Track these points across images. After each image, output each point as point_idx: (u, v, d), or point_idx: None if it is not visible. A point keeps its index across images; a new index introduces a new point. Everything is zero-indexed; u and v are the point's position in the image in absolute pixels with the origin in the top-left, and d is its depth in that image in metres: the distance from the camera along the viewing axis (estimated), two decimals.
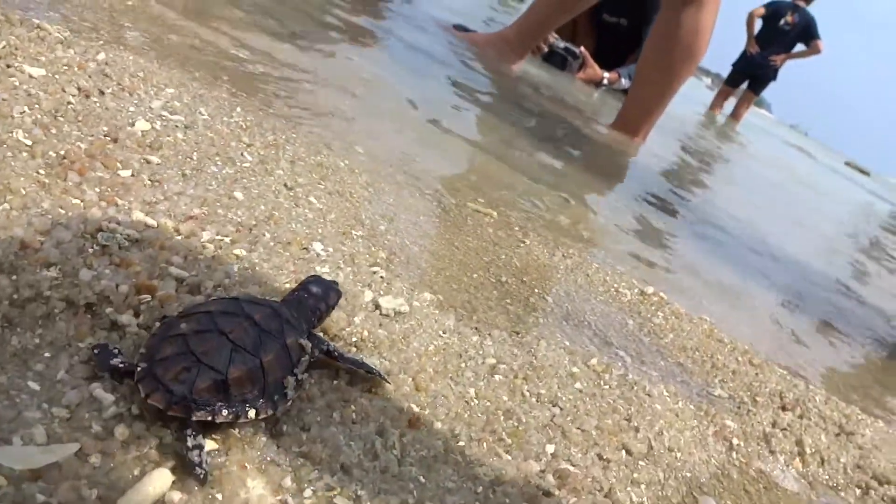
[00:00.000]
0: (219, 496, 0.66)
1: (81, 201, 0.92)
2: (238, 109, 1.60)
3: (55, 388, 0.69)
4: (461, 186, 1.99)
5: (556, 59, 5.13)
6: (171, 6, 2.16)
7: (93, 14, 1.76)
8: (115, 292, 0.79)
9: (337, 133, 1.86)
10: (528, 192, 2.24)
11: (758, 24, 9.39)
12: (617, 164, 3.64)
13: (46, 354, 0.72)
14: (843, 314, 2.69)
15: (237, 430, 0.74)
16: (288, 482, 0.71)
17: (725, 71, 10.06)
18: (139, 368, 0.71)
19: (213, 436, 0.72)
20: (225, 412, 0.71)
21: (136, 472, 0.65)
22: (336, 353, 0.86)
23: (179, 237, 0.95)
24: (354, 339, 0.93)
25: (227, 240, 1.00)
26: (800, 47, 9.33)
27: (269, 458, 0.73)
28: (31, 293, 0.74)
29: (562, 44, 5.17)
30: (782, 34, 9.21)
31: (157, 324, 0.79)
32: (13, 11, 1.42)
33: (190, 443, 0.68)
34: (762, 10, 9.30)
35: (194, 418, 0.69)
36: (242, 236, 1.04)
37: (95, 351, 0.73)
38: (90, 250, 0.83)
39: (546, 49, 5.17)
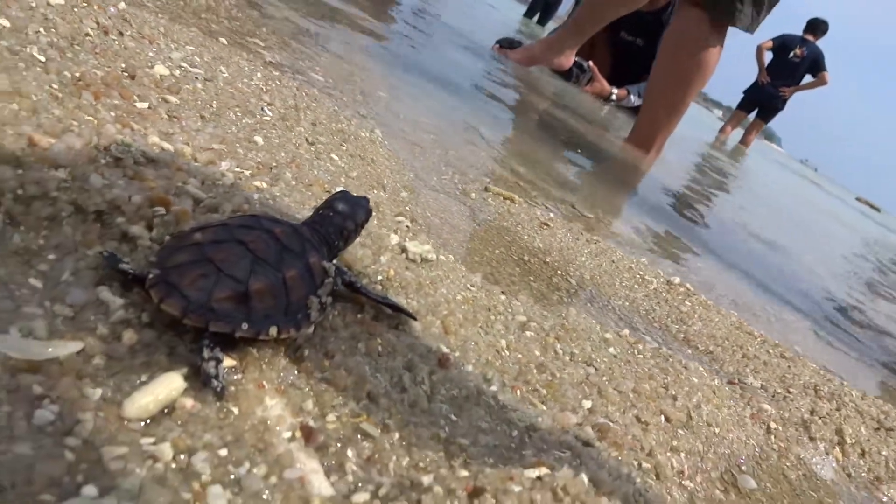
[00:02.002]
0: (234, 409, 0.59)
1: (95, 119, 0.86)
2: (258, 75, 1.55)
3: (59, 287, 0.63)
4: (482, 174, 1.94)
5: (565, 72, 5.15)
6: None
7: None
8: (128, 202, 0.73)
9: (358, 110, 1.82)
10: (547, 191, 2.19)
11: (768, 56, 9.56)
12: (633, 176, 3.58)
13: (51, 256, 0.66)
14: (860, 333, 2.61)
15: (255, 349, 0.67)
16: (310, 405, 0.64)
17: (737, 103, 10.18)
18: (150, 275, 0.63)
19: (230, 353, 0.65)
20: (245, 326, 0.63)
21: (143, 378, 0.58)
22: (359, 287, 0.79)
23: (197, 163, 0.89)
24: (380, 278, 0.87)
25: (246, 173, 0.94)
26: (808, 79, 9.49)
27: (289, 381, 0.66)
28: (38, 191, 0.68)
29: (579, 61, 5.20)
30: (792, 66, 9.41)
31: (168, 237, 0.72)
32: None
33: (206, 354, 0.61)
34: (770, 43, 9.52)
35: (212, 329, 0.61)
36: (263, 173, 0.98)
37: (104, 253, 0.66)
38: (102, 161, 0.77)
39: None
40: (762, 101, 9.77)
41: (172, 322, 0.63)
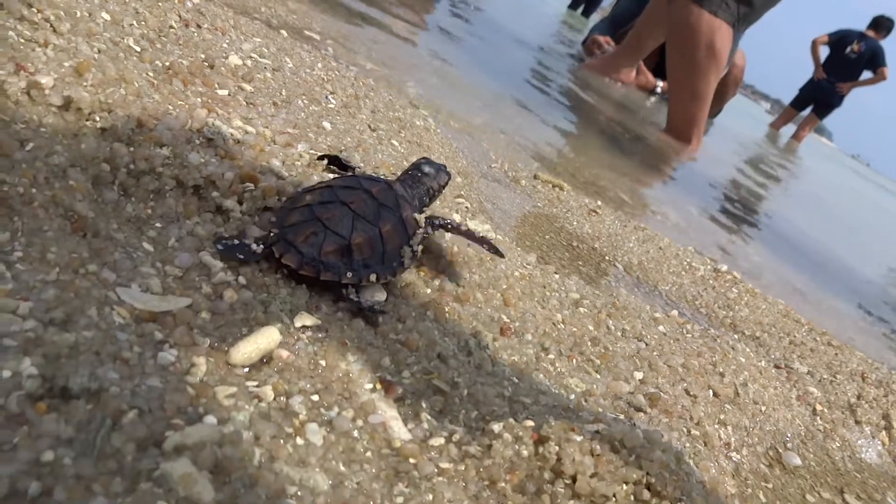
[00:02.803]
0: (322, 363, 0.66)
1: (186, 104, 0.94)
2: (319, 65, 1.62)
3: (167, 251, 0.70)
4: (531, 161, 1.98)
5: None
6: None
7: None
8: (221, 178, 0.81)
9: (413, 99, 1.88)
10: (595, 176, 2.22)
11: (825, 52, 9.29)
12: (678, 166, 3.57)
13: (158, 224, 0.74)
14: None
15: (338, 312, 0.74)
16: (387, 362, 0.71)
17: (786, 97, 9.94)
18: (271, 234, 0.75)
19: (315, 315, 0.72)
20: (350, 274, 0.75)
21: (244, 331, 0.65)
22: (455, 226, 0.89)
23: (276, 145, 0.97)
24: (444, 254, 0.93)
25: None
26: (867, 75, 9.18)
27: (367, 341, 0.73)
28: (146, 166, 0.76)
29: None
30: (849, 62, 9.11)
31: (285, 199, 0.84)
32: None
33: (360, 300, 0.75)
34: (825, 38, 9.23)
35: (322, 278, 0.73)
36: (334, 154, 1.05)
37: (219, 247, 0.73)
38: (197, 141, 0.85)
39: (600, 54, 5.19)
40: (818, 97, 9.49)
41: (291, 272, 0.73)
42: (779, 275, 2.33)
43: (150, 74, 0.95)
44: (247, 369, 0.61)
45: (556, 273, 1.14)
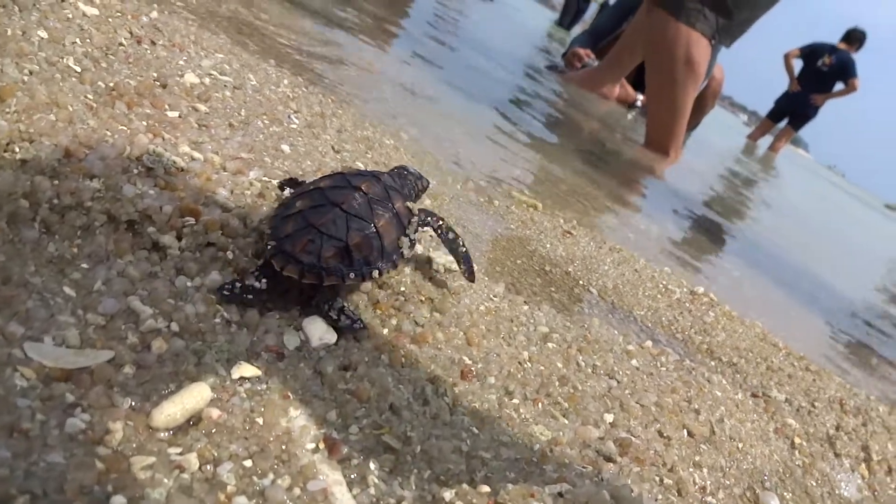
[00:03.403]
0: (259, 420, 0.60)
1: (128, 129, 0.88)
2: (285, 81, 1.57)
3: (91, 296, 0.64)
4: (506, 178, 1.94)
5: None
6: None
7: None
8: (159, 212, 0.75)
9: (382, 117, 1.83)
10: (571, 193, 2.18)
11: (798, 65, 9.45)
12: (656, 179, 3.56)
13: (84, 265, 0.67)
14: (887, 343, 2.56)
15: (281, 362, 0.68)
16: (333, 416, 0.65)
17: (763, 109, 10.08)
18: (269, 246, 0.74)
19: (255, 364, 0.66)
20: (352, 275, 0.75)
21: (171, 387, 0.59)
22: (444, 231, 0.91)
23: (226, 172, 0.91)
24: (403, 289, 0.87)
25: (273, 182, 0.95)
26: (840, 86, 9.34)
27: (312, 391, 0.67)
28: (72, 201, 0.69)
29: (596, 63, 5.23)
30: (821, 74, 9.29)
31: (276, 205, 0.86)
32: None
33: (333, 313, 0.74)
34: (797, 52, 9.42)
35: (326, 283, 0.73)
36: (293, 177, 0.99)
37: (225, 293, 0.73)
38: (135, 171, 0.79)
39: (580, 66, 5.20)
40: (793, 109, 9.67)
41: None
42: (758, 290, 2.31)
43: (90, 97, 0.89)
44: (170, 433, 0.55)
45: (525, 304, 1.09)
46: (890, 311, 3.15)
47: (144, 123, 0.93)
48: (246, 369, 0.64)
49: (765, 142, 10.75)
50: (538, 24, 9.86)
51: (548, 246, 1.58)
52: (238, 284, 0.73)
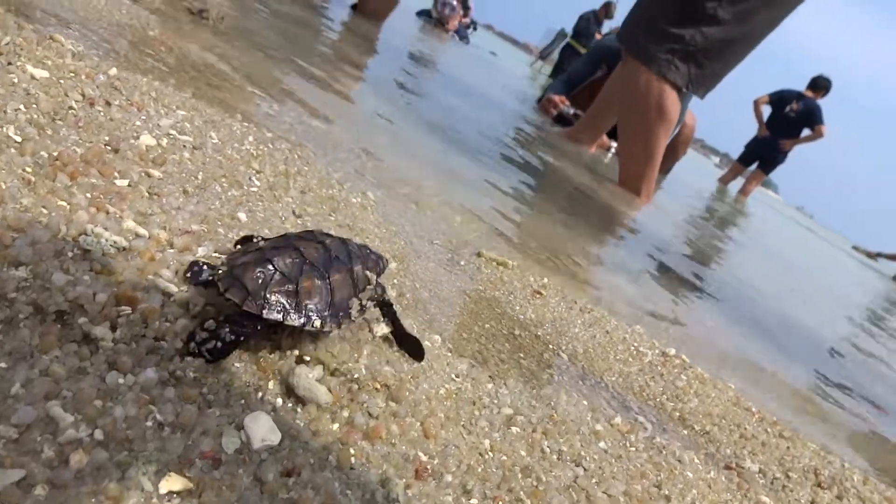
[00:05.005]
0: None
1: (68, 204, 0.83)
2: (250, 138, 1.53)
3: (6, 403, 0.59)
4: (476, 236, 1.91)
5: (564, 121, 5.26)
6: (196, 40, 2.14)
7: (117, 39, 1.73)
8: (92, 301, 0.70)
9: (350, 173, 1.80)
10: (543, 248, 2.16)
11: (767, 111, 9.73)
12: (629, 224, 3.57)
13: (2, 365, 0.62)
14: (866, 388, 2.55)
15: (217, 470, 0.63)
16: None
17: (734, 151, 10.39)
18: (220, 271, 0.74)
19: (187, 473, 0.61)
20: (295, 317, 0.73)
21: None
22: (389, 311, 0.92)
23: (172, 250, 0.86)
24: (357, 376, 0.83)
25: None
26: (806, 132, 9.62)
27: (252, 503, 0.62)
28: None
29: (571, 110, 5.32)
30: (789, 120, 9.60)
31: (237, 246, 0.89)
32: (33, 24, 1.38)
33: (192, 345, 0.71)
34: (766, 98, 9.72)
35: (265, 316, 0.71)
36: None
37: (195, 268, 0.79)
38: (69, 254, 0.74)
39: (555, 113, 5.28)
40: (763, 153, 9.93)
41: (235, 307, 0.72)
42: (732, 340, 2.30)
43: (29, 170, 0.84)
44: None
45: (490, 381, 1.05)
46: (859, 356, 3.15)
47: (88, 196, 0.88)
48: (175, 482, 0.59)
49: (736, 185, 10.98)
50: (514, 66, 10.01)
51: (517, 307, 1.54)
52: (217, 344, 0.71)
